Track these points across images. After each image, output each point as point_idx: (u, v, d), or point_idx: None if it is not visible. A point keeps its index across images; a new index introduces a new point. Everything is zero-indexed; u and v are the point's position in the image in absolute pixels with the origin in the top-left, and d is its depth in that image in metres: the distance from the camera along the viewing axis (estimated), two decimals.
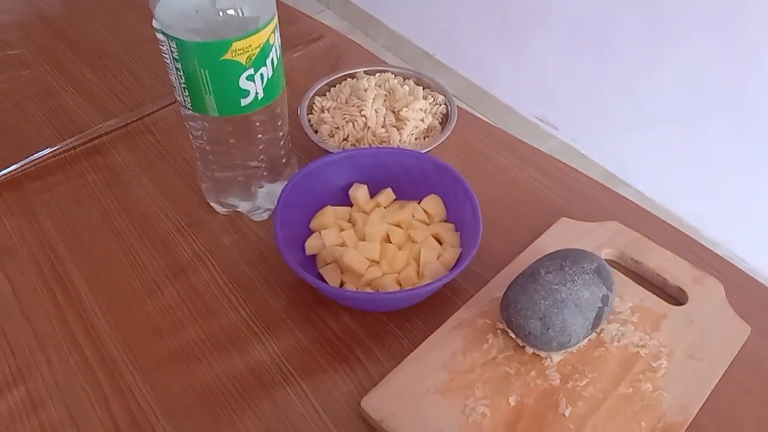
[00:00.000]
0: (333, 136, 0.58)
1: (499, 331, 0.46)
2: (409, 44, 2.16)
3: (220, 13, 0.42)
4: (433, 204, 0.52)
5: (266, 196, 0.54)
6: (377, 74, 0.63)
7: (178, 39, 0.42)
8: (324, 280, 0.48)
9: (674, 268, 0.50)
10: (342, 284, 0.49)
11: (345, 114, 0.58)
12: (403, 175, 0.53)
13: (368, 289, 0.48)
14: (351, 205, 0.54)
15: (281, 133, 0.51)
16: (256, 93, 0.46)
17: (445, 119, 0.60)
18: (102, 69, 0.73)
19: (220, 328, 0.48)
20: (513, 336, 0.44)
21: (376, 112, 0.58)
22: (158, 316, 0.49)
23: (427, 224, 0.52)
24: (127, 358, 0.46)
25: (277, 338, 0.47)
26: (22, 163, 0.59)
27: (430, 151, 0.56)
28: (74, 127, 0.64)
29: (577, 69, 1.64)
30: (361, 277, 0.48)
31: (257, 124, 0.48)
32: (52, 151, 0.61)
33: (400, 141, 0.56)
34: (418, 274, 0.48)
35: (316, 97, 0.61)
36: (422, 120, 0.58)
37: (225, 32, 0.42)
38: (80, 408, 0.43)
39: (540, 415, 0.42)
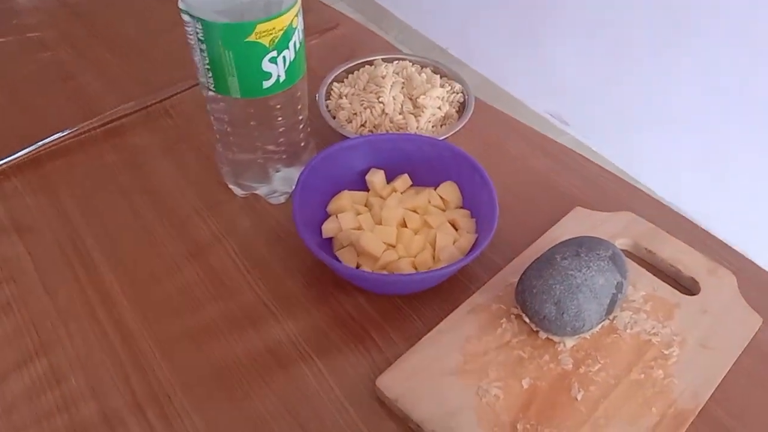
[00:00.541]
0: (351, 121, 0.58)
1: (513, 316, 0.47)
2: (422, 38, 2.16)
3: None
4: (449, 190, 0.53)
5: (284, 180, 0.55)
6: (395, 62, 0.63)
7: (204, 20, 0.43)
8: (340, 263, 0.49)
9: (688, 259, 0.51)
10: (358, 267, 0.49)
11: (363, 100, 0.59)
12: (419, 162, 0.54)
13: (384, 272, 0.48)
14: (367, 190, 0.54)
15: (301, 117, 0.52)
16: (278, 76, 0.46)
17: (461, 108, 0.61)
18: (122, 54, 0.74)
19: (238, 307, 0.49)
20: (527, 321, 0.45)
21: (394, 98, 0.58)
22: (177, 294, 0.50)
23: (443, 210, 0.52)
24: (146, 333, 0.47)
25: (294, 318, 0.48)
26: (43, 142, 0.60)
27: (446, 138, 0.56)
28: (94, 109, 0.65)
29: (590, 66, 1.64)
30: (377, 260, 0.48)
31: (278, 107, 0.48)
32: (72, 132, 0.62)
33: (417, 128, 0.57)
34: (434, 258, 0.49)
35: (334, 84, 0.62)
36: (439, 108, 0.59)
37: (249, 14, 0.43)
38: (101, 381, 0.44)
39: (552, 397, 0.42)
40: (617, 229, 0.53)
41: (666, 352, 0.45)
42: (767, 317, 0.47)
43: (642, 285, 0.49)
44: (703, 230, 0.54)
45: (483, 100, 0.65)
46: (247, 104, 0.48)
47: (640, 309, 0.47)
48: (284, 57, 0.45)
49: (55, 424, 0.42)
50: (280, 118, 0.49)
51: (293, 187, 0.55)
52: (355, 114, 0.59)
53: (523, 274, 0.45)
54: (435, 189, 0.53)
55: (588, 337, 0.45)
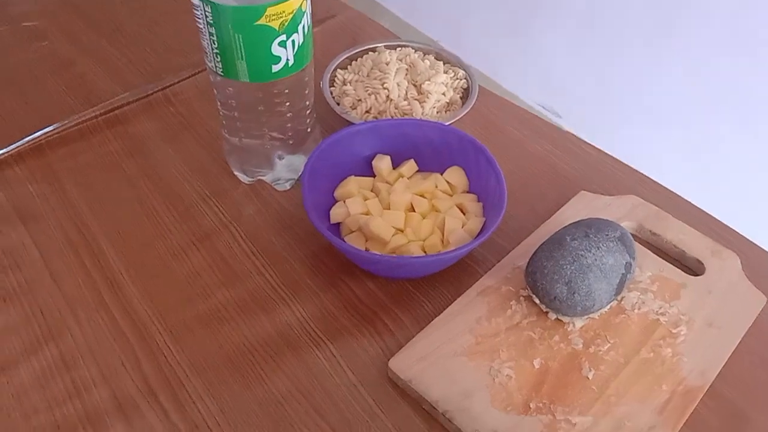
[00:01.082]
0: (355, 108, 0.58)
1: (522, 298, 0.47)
2: (413, 30, 2.16)
3: None
4: (455, 175, 0.53)
5: (288, 167, 0.55)
6: (398, 49, 0.63)
7: (214, 3, 0.42)
8: None
9: (692, 241, 0.51)
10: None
11: (367, 87, 0.59)
12: (425, 147, 0.54)
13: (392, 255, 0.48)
14: (374, 176, 0.54)
15: (308, 102, 0.52)
16: (287, 59, 0.46)
17: (465, 94, 0.61)
18: (120, 42, 0.73)
19: (247, 292, 0.49)
20: (537, 301, 0.45)
21: (398, 85, 0.59)
22: (185, 280, 0.49)
23: (450, 195, 0.52)
24: (156, 320, 0.47)
25: (303, 302, 0.48)
26: (45, 130, 0.60)
27: (452, 124, 0.57)
28: (95, 98, 0.65)
29: (582, 58, 1.65)
30: (387, 244, 0.48)
31: (286, 91, 0.48)
32: (73, 121, 0.61)
33: (422, 114, 0.57)
34: (443, 242, 0.49)
35: (338, 70, 0.62)
36: (443, 94, 0.59)
37: None
38: (111, 367, 0.44)
39: (564, 377, 0.43)
40: (622, 212, 0.53)
41: (674, 332, 0.45)
42: None
43: (648, 266, 0.49)
44: (706, 213, 0.55)
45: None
46: (255, 89, 0.47)
47: (647, 289, 0.48)
48: (293, 41, 0.45)
49: (68, 410, 0.42)
50: (287, 103, 0.49)
51: (299, 173, 0.56)
52: (360, 100, 0.59)
53: (533, 255, 0.45)
54: (441, 174, 0.53)
55: (597, 318, 0.46)
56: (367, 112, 0.58)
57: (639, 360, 0.44)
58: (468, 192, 0.53)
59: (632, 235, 0.53)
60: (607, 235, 0.44)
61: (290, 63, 0.46)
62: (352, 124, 0.56)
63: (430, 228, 0.49)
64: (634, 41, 1.50)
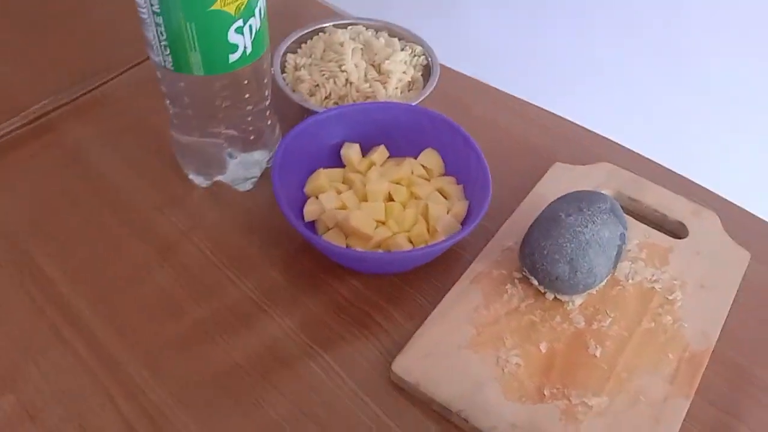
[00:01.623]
0: (314, 95, 0.54)
1: (516, 280, 0.45)
2: (316, 5, 2.10)
3: None
4: (431, 158, 0.50)
5: (245, 164, 0.51)
6: (349, 27, 0.59)
7: None
8: None
9: (671, 204, 0.51)
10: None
11: (323, 70, 0.55)
12: (395, 131, 0.51)
13: (379, 251, 0.45)
14: (343, 166, 0.51)
15: (267, 93, 0.47)
16: (245, 47, 0.42)
17: (425, 71, 0.58)
18: (36, 38, 0.65)
19: (224, 306, 0.45)
20: (536, 283, 0.43)
21: (356, 66, 0.55)
22: (152, 301, 0.45)
23: (427, 180, 0.50)
24: (126, 350, 0.42)
25: (287, 311, 0.45)
26: None
27: (418, 104, 0.54)
28: (15, 106, 0.57)
29: (507, 27, 1.65)
30: (370, 239, 0.45)
31: (245, 82, 0.44)
32: None
33: (386, 96, 0.54)
34: (429, 230, 0.46)
35: (288, 55, 0.57)
36: (404, 72, 0.56)
37: None
38: (83, 409, 0.39)
39: (572, 357, 0.41)
40: (600, 180, 0.52)
41: (670, 298, 0.45)
42: (753, 253, 0.48)
43: (633, 233, 0.49)
44: (680, 176, 0.55)
45: None
46: (210, 81, 0.43)
47: (636, 258, 0.47)
48: (250, 26, 0.41)
49: None
50: (247, 95, 0.45)
51: (260, 170, 0.51)
52: (317, 86, 0.55)
53: (527, 235, 0.44)
54: (415, 158, 0.51)
55: (594, 293, 0.44)
56: (326, 98, 0.54)
57: (642, 331, 0.43)
58: (445, 175, 0.51)
59: None
60: (600, 207, 0.43)
61: (248, 51, 0.42)
62: (313, 112, 0.52)
63: (413, 217, 0.46)
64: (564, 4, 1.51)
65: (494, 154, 0.55)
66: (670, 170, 0.55)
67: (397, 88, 0.55)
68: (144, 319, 0.44)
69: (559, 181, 0.52)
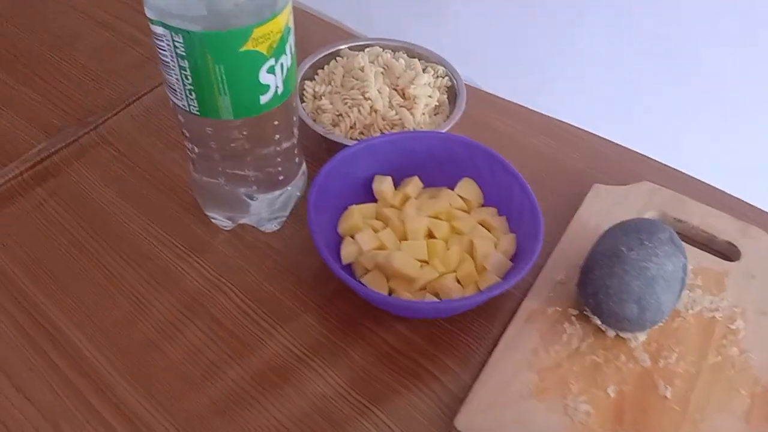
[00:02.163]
0: (337, 125, 0.51)
1: (573, 318, 0.43)
2: (322, 23, 2.06)
3: None
4: (469, 188, 0.48)
5: (275, 203, 0.47)
6: (366, 50, 0.56)
7: (187, 31, 0.34)
8: None
9: (718, 223, 0.49)
10: (391, 292, 0.43)
11: (346, 98, 0.52)
12: (427, 161, 0.48)
13: (426, 294, 0.43)
14: (372, 199, 0.48)
15: (295, 130, 0.44)
16: (276, 87, 0.38)
17: (449, 92, 0.55)
18: (30, 77, 0.61)
19: (262, 362, 0.41)
20: (598, 322, 0.41)
21: (380, 92, 0.52)
22: (184, 362, 0.41)
23: (467, 212, 0.47)
24: (162, 418, 0.39)
25: (331, 363, 0.42)
26: None
27: (449, 129, 0.51)
28: (13, 151, 0.53)
29: (497, 25, 1.63)
30: (414, 281, 0.42)
31: (275, 122, 0.41)
32: None
33: (414, 123, 0.51)
34: (477, 269, 0.43)
35: (306, 82, 0.54)
36: (430, 96, 0.53)
37: (238, 19, 0.35)
38: None
39: (642, 401, 0.39)
40: (642, 202, 0.50)
41: (732, 327, 0.43)
42: None
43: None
44: (720, 191, 0.53)
45: None
46: (239, 125, 0.39)
47: (693, 285, 0.45)
48: (282, 64, 0.38)
49: None
50: (277, 136, 0.42)
51: (286, 210, 0.48)
52: (340, 115, 0.51)
53: (587, 272, 0.41)
54: (451, 189, 0.48)
55: (655, 327, 0.42)
56: (351, 127, 0.51)
57: (709, 366, 0.41)
58: (484, 206, 0.48)
59: None
60: (660, 238, 0.41)
61: (279, 91, 0.39)
62: (335, 143, 0.49)
63: (459, 255, 0.44)
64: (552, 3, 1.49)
65: (527, 176, 0.53)
66: (710, 185, 0.53)
67: (424, 113, 0.52)
68: (178, 382, 0.40)
69: (601, 204, 0.50)
